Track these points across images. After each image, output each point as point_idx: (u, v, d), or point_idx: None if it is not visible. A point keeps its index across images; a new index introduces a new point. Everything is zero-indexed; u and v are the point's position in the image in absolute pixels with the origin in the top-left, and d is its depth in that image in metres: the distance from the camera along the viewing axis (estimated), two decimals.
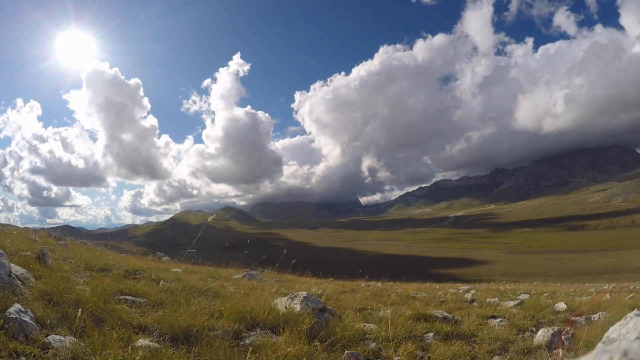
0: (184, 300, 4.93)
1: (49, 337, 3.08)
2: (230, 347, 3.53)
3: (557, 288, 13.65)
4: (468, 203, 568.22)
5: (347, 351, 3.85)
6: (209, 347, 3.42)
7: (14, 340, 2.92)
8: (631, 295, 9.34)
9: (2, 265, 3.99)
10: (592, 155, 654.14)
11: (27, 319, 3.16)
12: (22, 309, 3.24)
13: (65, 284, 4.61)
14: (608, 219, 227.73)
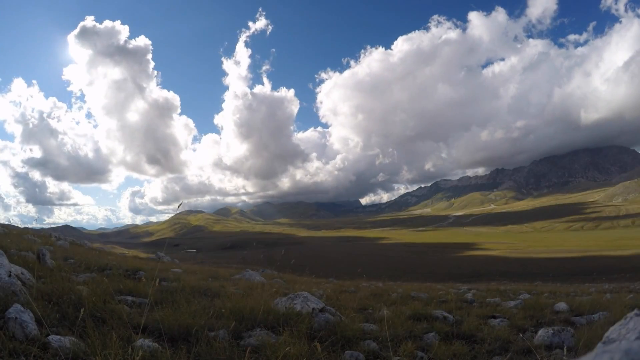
0: (184, 300, 4.93)
1: (49, 337, 3.08)
2: (230, 347, 3.53)
3: (557, 288, 13.66)
4: (468, 203, 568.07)
5: (347, 351, 3.85)
6: (209, 347, 3.42)
7: (14, 340, 2.92)
8: (631, 295, 9.34)
9: (2, 265, 3.99)
10: (592, 155, 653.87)
11: (27, 319, 3.15)
12: (22, 309, 3.24)
13: (65, 284, 4.61)
14: (608, 218, 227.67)
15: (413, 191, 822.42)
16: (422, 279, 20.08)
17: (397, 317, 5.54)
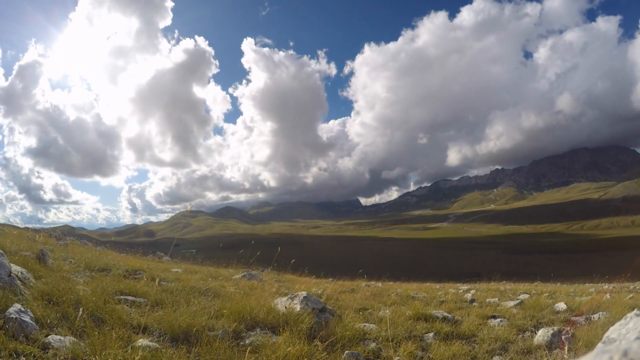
0: (184, 300, 4.93)
1: (49, 337, 3.08)
2: (230, 347, 3.53)
3: (557, 288, 13.65)
4: (468, 203, 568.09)
5: (347, 351, 3.85)
6: (209, 347, 3.42)
7: (14, 340, 2.92)
8: (631, 295, 9.34)
9: (2, 265, 3.99)
10: (592, 155, 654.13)
11: (27, 319, 3.16)
12: (22, 309, 3.24)
13: (65, 284, 4.61)
14: (608, 218, 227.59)
15: (413, 191, 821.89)
16: (421, 279, 20.07)
17: (397, 317, 5.54)
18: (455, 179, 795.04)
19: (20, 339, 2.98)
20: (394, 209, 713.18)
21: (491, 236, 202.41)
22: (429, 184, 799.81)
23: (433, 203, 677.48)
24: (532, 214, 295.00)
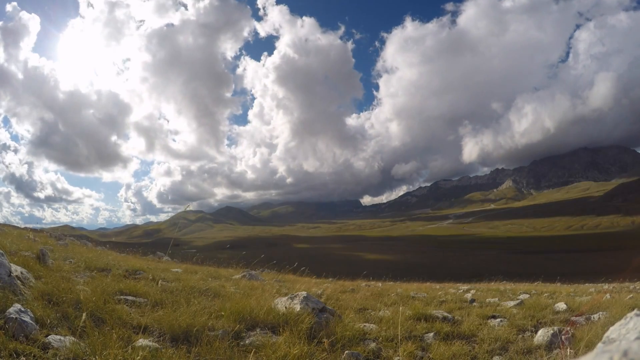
0: (184, 300, 4.93)
1: (49, 337, 3.08)
2: (230, 347, 3.53)
3: (557, 288, 13.66)
4: (468, 202, 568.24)
5: (347, 351, 3.85)
6: (209, 347, 3.42)
7: (14, 340, 2.92)
8: (631, 295, 9.34)
9: (2, 265, 3.99)
10: (592, 155, 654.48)
11: (27, 319, 3.16)
12: (22, 309, 3.24)
13: (65, 284, 4.62)
14: (608, 218, 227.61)
15: (413, 191, 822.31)
16: (422, 279, 20.09)
17: (397, 317, 5.54)
18: (456, 179, 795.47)
19: (20, 339, 2.98)
20: (394, 209, 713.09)
21: (491, 236, 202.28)
22: (429, 184, 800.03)
23: (433, 203, 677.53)
24: (532, 214, 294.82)
